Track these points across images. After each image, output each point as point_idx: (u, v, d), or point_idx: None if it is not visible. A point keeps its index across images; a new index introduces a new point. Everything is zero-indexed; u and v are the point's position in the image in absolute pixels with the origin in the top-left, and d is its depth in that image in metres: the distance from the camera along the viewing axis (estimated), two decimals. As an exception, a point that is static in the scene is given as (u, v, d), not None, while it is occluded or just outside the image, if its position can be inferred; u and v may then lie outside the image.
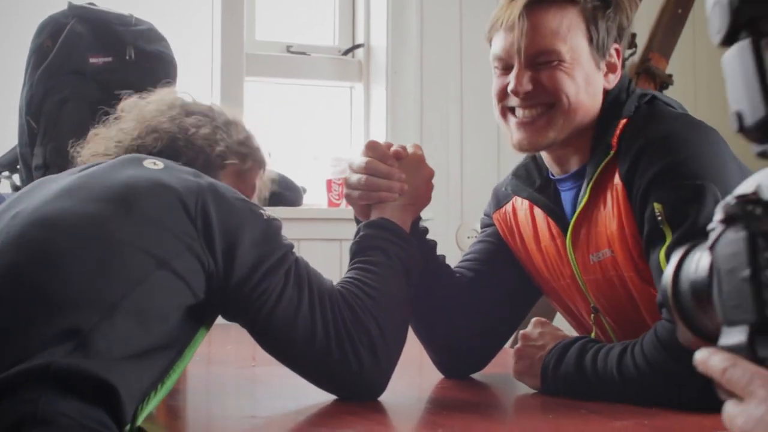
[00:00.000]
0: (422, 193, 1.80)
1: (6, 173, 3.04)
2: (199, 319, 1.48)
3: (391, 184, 1.75)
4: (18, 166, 2.98)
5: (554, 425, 1.49)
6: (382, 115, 3.82)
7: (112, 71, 2.96)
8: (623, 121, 1.71)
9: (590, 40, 1.72)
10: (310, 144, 3.92)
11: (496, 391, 1.75)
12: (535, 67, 1.72)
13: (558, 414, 1.53)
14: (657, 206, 1.58)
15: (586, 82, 1.73)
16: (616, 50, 1.76)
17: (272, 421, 1.56)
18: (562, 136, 1.74)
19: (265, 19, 3.81)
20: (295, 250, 1.57)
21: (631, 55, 3.34)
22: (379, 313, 1.58)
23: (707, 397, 1.49)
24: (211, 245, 1.45)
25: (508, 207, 1.92)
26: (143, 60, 2.98)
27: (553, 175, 1.83)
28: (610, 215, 1.68)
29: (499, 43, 1.76)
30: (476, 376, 1.89)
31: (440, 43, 3.83)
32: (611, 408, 1.51)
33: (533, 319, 1.76)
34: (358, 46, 3.90)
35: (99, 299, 1.33)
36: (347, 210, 1.86)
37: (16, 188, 3.01)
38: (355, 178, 1.77)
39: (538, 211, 1.84)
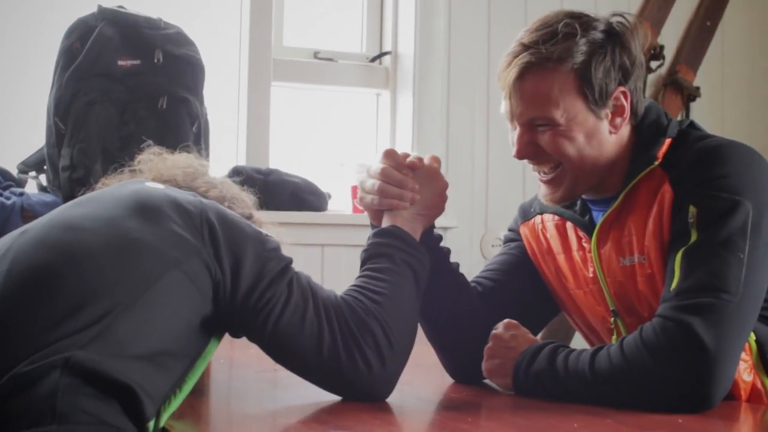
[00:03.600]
0: (435, 204, 1.83)
1: (33, 173, 3.07)
2: (207, 332, 1.53)
3: (402, 192, 1.79)
4: (45, 167, 3.00)
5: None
6: (408, 122, 3.83)
7: (140, 74, 2.98)
8: (668, 140, 1.76)
9: (584, 96, 1.73)
10: (335, 150, 3.92)
11: (507, 395, 1.75)
12: (535, 128, 1.77)
13: (578, 421, 1.52)
14: (692, 209, 1.65)
15: (588, 137, 1.76)
16: (623, 93, 1.76)
17: (293, 422, 1.57)
18: (580, 189, 1.81)
19: (293, 25, 3.82)
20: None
21: (659, 66, 3.33)
22: (383, 316, 1.61)
23: (681, 398, 1.52)
24: (219, 256, 1.51)
25: (537, 219, 1.97)
26: (171, 63, 3.00)
27: (583, 196, 1.87)
28: (653, 221, 1.71)
29: (502, 105, 1.81)
30: (487, 380, 1.89)
31: (467, 51, 3.83)
32: (637, 418, 1.51)
33: (505, 321, 1.78)
34: (386, 53, 3.91)
35: (123, 293, 1.38)
36: (372, 216, 1.87)
37: (42, 188, 3.03)
38: (369, 183, 1.81)
39: (568, 224, 1.89)
